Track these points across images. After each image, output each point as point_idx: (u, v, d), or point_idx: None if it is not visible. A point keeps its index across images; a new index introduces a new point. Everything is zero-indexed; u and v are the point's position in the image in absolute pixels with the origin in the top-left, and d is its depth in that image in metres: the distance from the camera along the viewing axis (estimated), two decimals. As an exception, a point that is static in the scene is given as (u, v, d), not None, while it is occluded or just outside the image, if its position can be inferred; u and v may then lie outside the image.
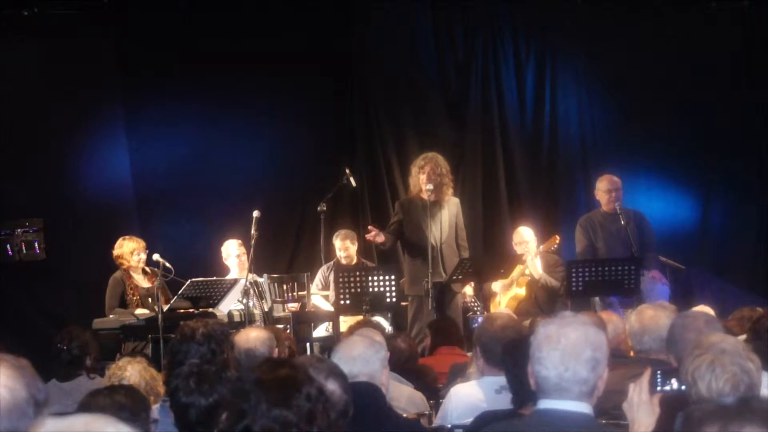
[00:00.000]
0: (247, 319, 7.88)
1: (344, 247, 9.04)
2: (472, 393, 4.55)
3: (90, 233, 9.36)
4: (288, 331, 7.70)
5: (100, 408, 3.35)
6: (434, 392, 5.61)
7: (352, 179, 9.05)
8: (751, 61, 10.47)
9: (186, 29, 9.83)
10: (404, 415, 4.32)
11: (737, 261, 10.48)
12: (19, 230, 8.22)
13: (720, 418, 2.20)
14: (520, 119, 10.55)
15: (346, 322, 7.78)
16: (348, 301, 7.89)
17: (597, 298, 8.05)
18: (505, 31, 10.59)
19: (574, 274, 7.78)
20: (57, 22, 9.53)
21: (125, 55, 9.80)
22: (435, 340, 6.80)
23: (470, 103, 10.51)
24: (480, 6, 10.56)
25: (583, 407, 2.87)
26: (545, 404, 2.90)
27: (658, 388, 3.16)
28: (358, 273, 8.01)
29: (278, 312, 8.38)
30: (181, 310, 7.72)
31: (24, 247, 8.21)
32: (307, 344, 8.25)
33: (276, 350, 5.10)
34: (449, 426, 4.46)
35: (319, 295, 8.87)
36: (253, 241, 8.17)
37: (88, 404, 3.45)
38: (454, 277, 8.32)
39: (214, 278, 8.18)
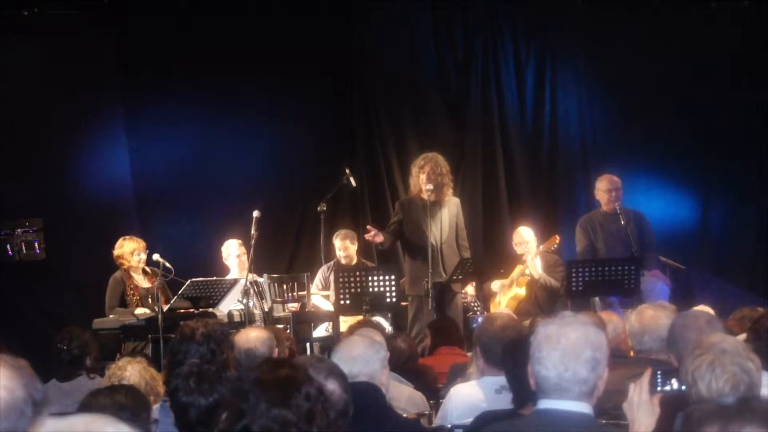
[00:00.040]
0: (247, 319, 7.87)
1: (344, 247, 9.04)
2: (472, 393, 4.55)
3: (90, 233, 9.36)
4: (288, 331, 7.70)
5: (101, 408, 3.35)
6: (434, 392, 5.62)
7: (352, 179, 9.04)
8: (751, 61, 10.46)
9: (186, 29, 9.83)
10: (404, 415, 4.32)
11: (737, 261, 10.47)
12: (19, 230, 8.22)
13: (720, 418, 2.19)
14: (520, 119, 10.54)
15: (346, 322, 7.77)
16: (348, 301, 7.89)
17: (597, 298, 8.04)
18: (505, 31, 10.58)
19: (574, 274, 7.78)
20: (57, 22, 9.53)
21: (125, 55, 9.79)
22: (435, 340, 6.80)
23: (470, 103, 10.50)
24: (480, 6, 10.55)
25: (583, 407, 2.87)
26: (545, 404, 2.90)
27: (659, 388, 3.16)
28: (358, 273, 8.01)
29: (278, 312, 8.37)
30: (181, 310, 7.72)
31: (24, 247, 8.21)
32: (307, 344, 8.24)
33: (276, 350, 5.10)
34: (449, 426, 4.46)
35: (319, 295, 8.86)
36: (253, 241, 8.16)
37: (89, 404, 3.45)
38: (455, 277, 8.33)
39: (214, 278, 8.18)
